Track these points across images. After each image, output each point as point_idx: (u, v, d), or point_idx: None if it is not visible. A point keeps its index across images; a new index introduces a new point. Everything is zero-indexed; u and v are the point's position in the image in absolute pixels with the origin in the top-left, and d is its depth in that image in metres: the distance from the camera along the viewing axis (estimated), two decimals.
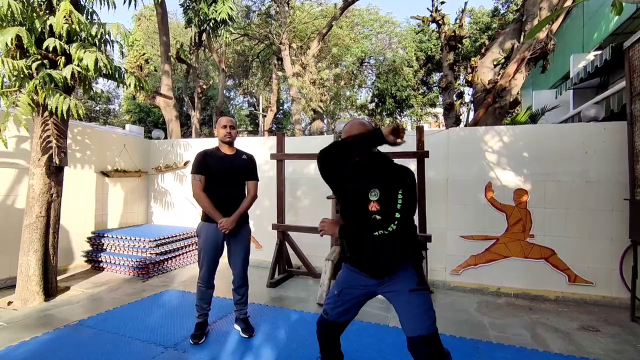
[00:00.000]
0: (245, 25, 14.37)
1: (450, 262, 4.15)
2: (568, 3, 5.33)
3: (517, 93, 6.21)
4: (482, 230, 4.02)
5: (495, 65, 6.44)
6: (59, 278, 3.82)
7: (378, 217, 1.60)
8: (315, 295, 3.63)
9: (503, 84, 5.81)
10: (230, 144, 2.75)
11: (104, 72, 3.64)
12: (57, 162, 3.50)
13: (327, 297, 1.90)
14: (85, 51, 3.36)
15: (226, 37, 8.23)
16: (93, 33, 3.54)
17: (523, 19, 6.02)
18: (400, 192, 1.57)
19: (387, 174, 1.65)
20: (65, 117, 3.52)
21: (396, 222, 1.54)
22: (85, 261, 4.70)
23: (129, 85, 3.87)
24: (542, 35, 5.56)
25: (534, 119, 6.87)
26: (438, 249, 4.11)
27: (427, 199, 3.78)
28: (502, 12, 15.79)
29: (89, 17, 3.73)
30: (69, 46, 3.41)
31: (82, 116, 3.51)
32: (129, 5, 4.45)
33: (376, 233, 1.55)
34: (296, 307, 3.43)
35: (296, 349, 2.57)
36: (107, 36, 3.64)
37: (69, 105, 3.32)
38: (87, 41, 3.58)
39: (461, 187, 4.13)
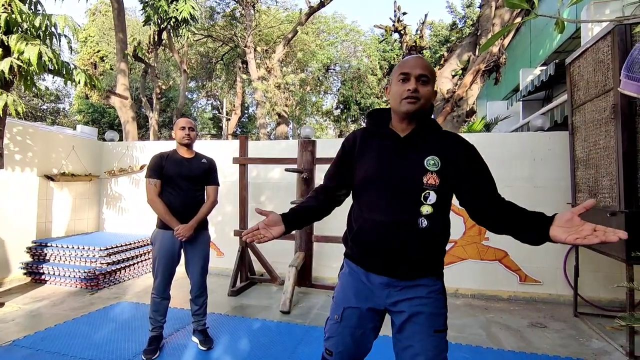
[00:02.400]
0: (209, 26, 14.04)
1: None
2: (518, 20, 5.73)
3: (473, 103, 6.56)
4: None
5: (453, 76, 6.77)
6: None
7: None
8: (278, 303, 3.55)
9: (460, 93, 6.11)
10: (188, 146, 2.62)
11: (50, 67, 3.36)
12: None
13: (326, 328, 1.38)
14: (27, 44, 3.09)
15: (188, 38, 7.95)
16: (37, 24, 3.27)
17: (478, 33, 6.39)
18: None
19: None
20: (2, 115, 3.21)
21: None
22: (24, 274, 4.27)
23: (78, 82, 3.61)
24: (495, 49, 5.93)
25: (488, 127, 7.28)
26: None
27: None
28: (459, 26, 16.72)
29: (33, 7, 3.44)
30: (8, 37, 3.12)
31: (21, 114, 3.21)
32: None
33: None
34: (259, 315, 3.34)
35: (257, 359, 2.48)
36: (52, 28, 3.37)
37: (6, 102, 3.03)
38: (29, 33, 3.29)
39: None
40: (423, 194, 1.21)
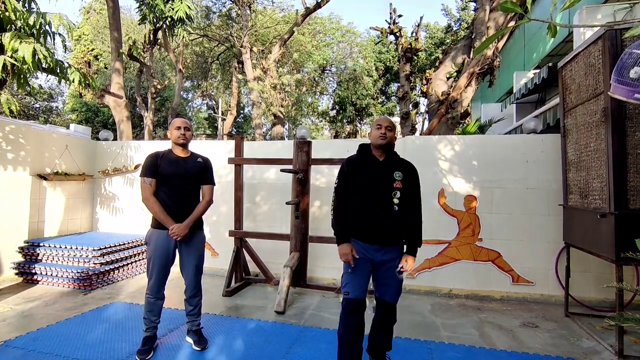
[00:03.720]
0: (205, 26, 13.99)
1: None
2: (512, 24, 5.80)
3: (468, 105, 6.61)
4: (436, 235, 4.19)
5: (448, 78, 6.82)
6: None
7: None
8: (273, 303, 3.55)
9: (455, 95, 6.16)
10: (184, 146, 2.62)
11: (44, 65, 3.34)
12: None
13: (342, 280, 2.22)
14: (21, 42, 3.07)
15: (184, 37, 7.92)
16: (31, 22, 3.25)
17: (473, 36, 6.45)
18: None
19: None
20: None
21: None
22: (16, 274, 4.23)
23: (72, 81, 3.59)
24: (489, 52, 5.99)
25: (482, 129, 7.33)
26: None
27: None
28: (454, 29, 16.85)
29: (27, 4, 3.41)
30: (1, 35, 3.10)
31: (15, 112, 3.18)
32: None
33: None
34: (253, 316, 3.34)
35: (252, 359, 2.48)
36: (47, 27, 3.35)
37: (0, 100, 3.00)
38: (23, 31, 3.27)
39: None
40: (393, 192, 2.16)
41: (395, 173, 2.16)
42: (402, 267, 2.14)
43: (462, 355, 2.62)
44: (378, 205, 2.14)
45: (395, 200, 2.13)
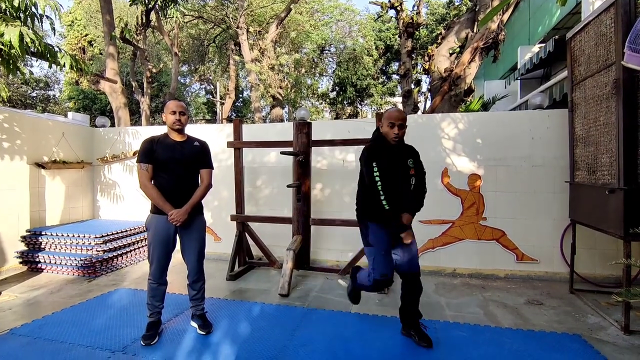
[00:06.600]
0: (200, 7, 13.60)
1: None
2: None
3: (471, 82, 6.44)
4: (439, 215, 4.15)
5: (450, 54, 6.62)
6: None
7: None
8: (277, 286, 3.55)
9: (458, 72, 5.99)
10: (180, 131, 2.54)
11: (32, 49, 3.23)
12: None
13: (374, 264, 2.34)
14: (6, 25, 2.95)
15: (178, 19, 7.69)
16: (15, 4, 3.12)
17: (476, 9, 6.22)
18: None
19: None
20: None
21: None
22: (20, 262, 4.24)
23: (64, 65, 3.48)
24: (493, 25, 5.78)
25: (486, 107, 7.18)
26: None
27: None
28: (456, 3, 16.31)
29: None
30: None
31: (5, 99, 3.10)
32: None
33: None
34: (257, 299, 3.34)
35: (257, 342, 2.48)
36: (32, 8, 3.21)
37: None
38: (8, 14, 3.14)
39: None
40: (410, 179, 2.33)
41: (409, 160, 2.30)
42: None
43: (468, 334, 2.62)
44: (401, 191, 2.26)
45: (412, 180, 2.32)
